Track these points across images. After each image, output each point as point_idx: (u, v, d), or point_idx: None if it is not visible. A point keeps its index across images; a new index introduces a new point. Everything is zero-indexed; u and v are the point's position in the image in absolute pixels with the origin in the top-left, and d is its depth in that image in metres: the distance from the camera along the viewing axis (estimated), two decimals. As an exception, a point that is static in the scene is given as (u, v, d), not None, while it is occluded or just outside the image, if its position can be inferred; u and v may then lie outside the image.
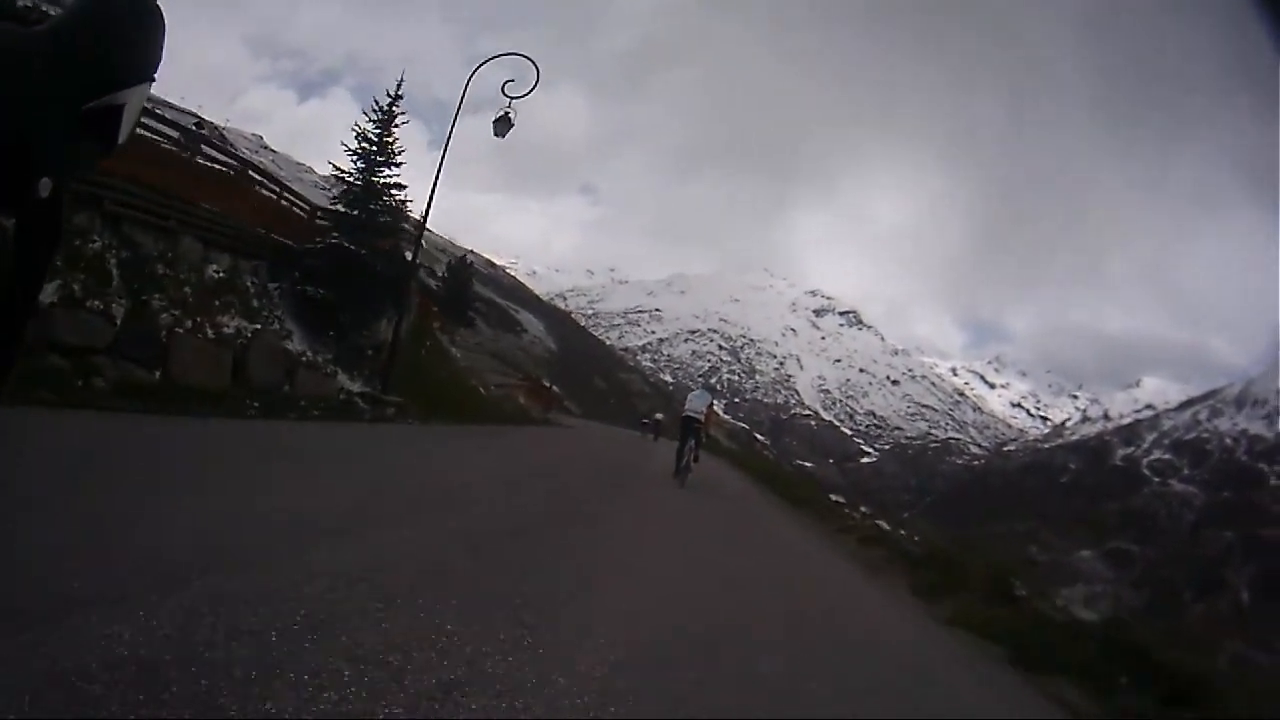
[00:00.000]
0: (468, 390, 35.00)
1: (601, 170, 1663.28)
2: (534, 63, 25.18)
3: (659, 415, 73.05)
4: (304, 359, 20.23)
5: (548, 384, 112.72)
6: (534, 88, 24.49)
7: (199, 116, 30.23)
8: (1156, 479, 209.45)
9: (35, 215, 1.47)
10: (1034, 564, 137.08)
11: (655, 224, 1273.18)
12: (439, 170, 25.82)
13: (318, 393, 19.44)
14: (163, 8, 1.48)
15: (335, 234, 24.59)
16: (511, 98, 24.42)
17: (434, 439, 19.05)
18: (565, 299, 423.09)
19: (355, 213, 25.61)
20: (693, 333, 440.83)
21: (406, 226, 27.84)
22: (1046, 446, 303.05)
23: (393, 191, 26.03)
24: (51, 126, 1.39)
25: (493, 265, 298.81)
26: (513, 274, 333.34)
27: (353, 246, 23.50)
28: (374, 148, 26.10)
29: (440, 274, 71.89)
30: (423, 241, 29.73)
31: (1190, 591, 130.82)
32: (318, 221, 26.36)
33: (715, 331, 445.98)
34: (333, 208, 26.25)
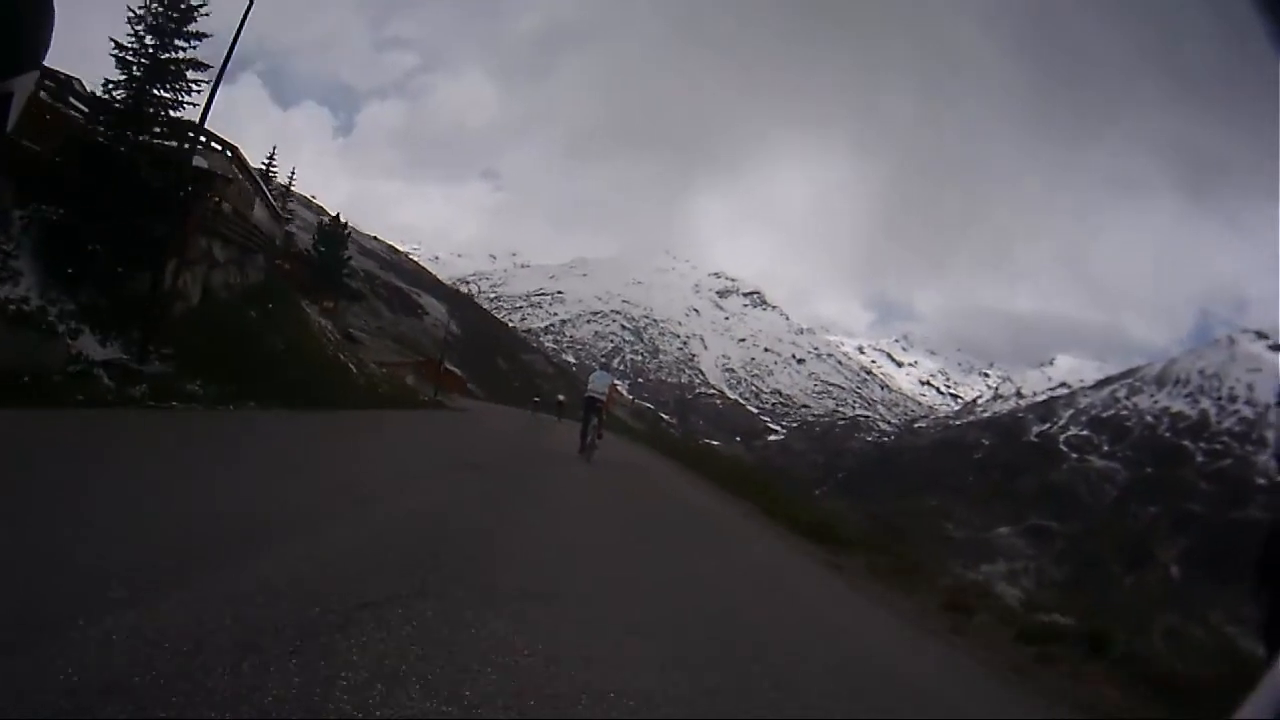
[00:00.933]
0: (327, 366, 26.97)
1: (504, 156, 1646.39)
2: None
3: (561, 397, 72.10)
4: (9, 309, 12.53)
5: (447, 365, 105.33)
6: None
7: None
8: (1075, 455, 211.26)
9: None
10: (950, 540, 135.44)
11: (558, 209, 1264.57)
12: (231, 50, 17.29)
13: (23, 359, 11.66)
14: None
15: (96, 126, 16.53)
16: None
17: (168, 437, 11.44)
18: (468, 283, 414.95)
19: (131, 93, 17.56)
20: (595, 314, 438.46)
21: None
22: (958, 423, 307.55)
23: (189, 74, 17.96)
24: None
25: (395, 251, 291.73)
26: (415, 259, 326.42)
27: (105, 140, 15.43)
28: (165, 7, 18.00)
29: (313, 239, 63.61)
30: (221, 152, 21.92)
31: (1118, 566, 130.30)
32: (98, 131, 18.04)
33: (618, 313, 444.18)
34: (103, 97, 18.10)
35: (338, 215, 63.31)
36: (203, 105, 16.92)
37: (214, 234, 19.68)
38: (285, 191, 62.95)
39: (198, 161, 17.75)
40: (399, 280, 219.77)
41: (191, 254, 17.11)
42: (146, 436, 11.01)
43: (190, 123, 18.01)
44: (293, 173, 65.69)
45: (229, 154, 21.74)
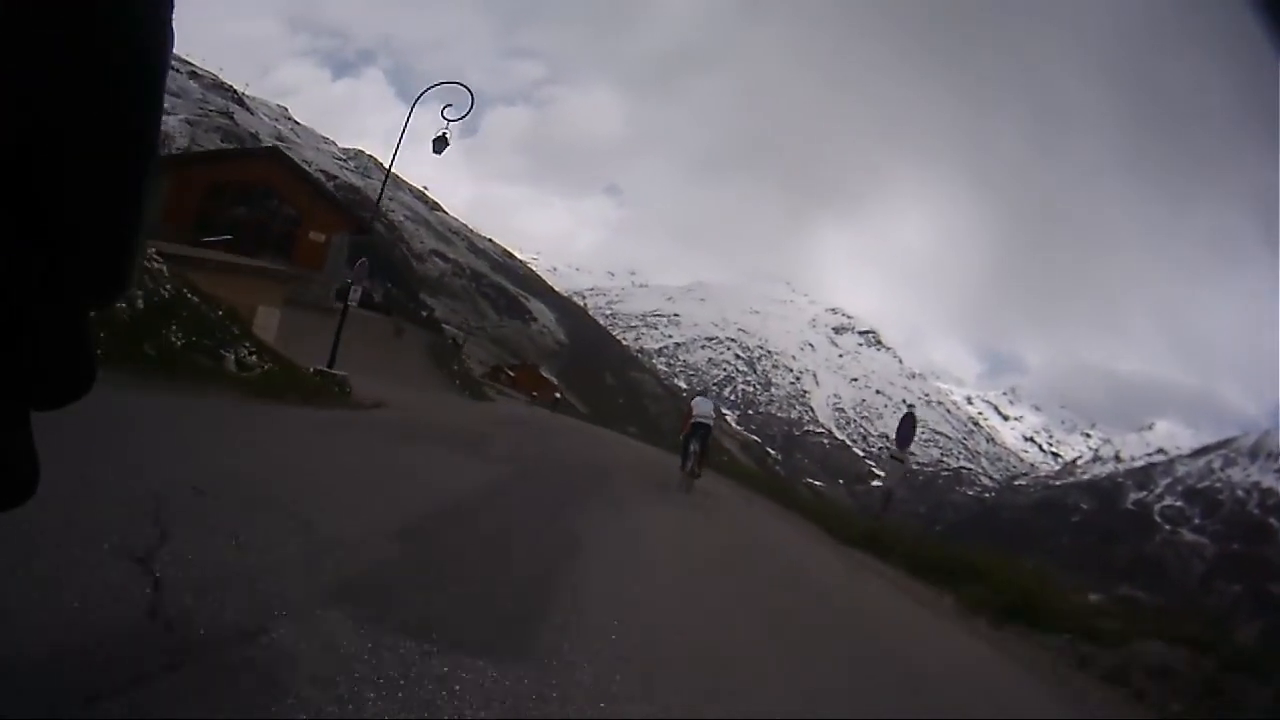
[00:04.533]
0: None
1: (628, 171, 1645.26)
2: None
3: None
4: None
5: (542, 371, 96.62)
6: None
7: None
8: (1168, 526, 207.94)
9: None
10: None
11: (679, 229, 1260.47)
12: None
13: None
14: None
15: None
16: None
17: None
18: (584, 297, 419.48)
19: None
20: (710, 340, 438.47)
21: None
22: (1058, 484, 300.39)
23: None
24: None
25: (510, 255, 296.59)
26: (532, 267, 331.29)
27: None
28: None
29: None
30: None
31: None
32: None
33: (733, 340, 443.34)
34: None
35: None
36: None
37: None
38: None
39: None
40: (509, 282, 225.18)
41: None
42: None
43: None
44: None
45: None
